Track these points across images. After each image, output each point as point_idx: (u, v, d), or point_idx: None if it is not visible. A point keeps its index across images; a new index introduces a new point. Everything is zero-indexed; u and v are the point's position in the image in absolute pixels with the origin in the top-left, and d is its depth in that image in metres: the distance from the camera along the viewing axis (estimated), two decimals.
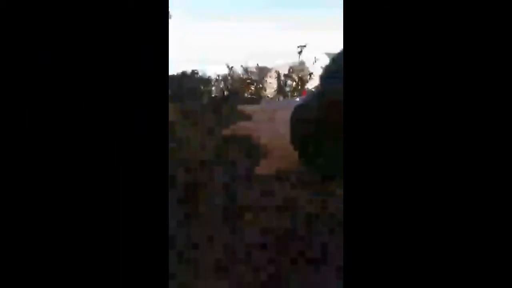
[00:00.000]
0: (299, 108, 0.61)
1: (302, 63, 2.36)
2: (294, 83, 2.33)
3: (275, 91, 2.19)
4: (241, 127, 0.72)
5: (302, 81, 2.26)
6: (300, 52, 2.34)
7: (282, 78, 2.30)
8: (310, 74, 2.27)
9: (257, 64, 2.35)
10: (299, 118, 0.60)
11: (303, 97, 0.66)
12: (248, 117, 0.70)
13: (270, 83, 2.38)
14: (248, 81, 2.21)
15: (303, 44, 2.35)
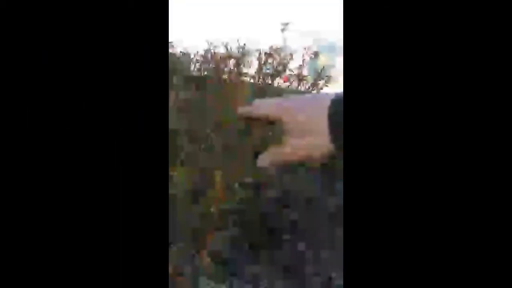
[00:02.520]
0: (335, 102, 0.60)
1: (283, 42, 2.33)
2: (275, 62, 2.30)
3: (255, 71, 2.18)
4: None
5: (283, 62, 2.24)
6: (282, 30, 2.31)
7: (263, 57, 2.27)
8: (291, 54, 2.25)
9: (238, 41, 2.31)
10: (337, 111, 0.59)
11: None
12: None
13: (250, 61, 2.34)
14: (231, 59, 2.18)
15: (286, 22, 2.31)
